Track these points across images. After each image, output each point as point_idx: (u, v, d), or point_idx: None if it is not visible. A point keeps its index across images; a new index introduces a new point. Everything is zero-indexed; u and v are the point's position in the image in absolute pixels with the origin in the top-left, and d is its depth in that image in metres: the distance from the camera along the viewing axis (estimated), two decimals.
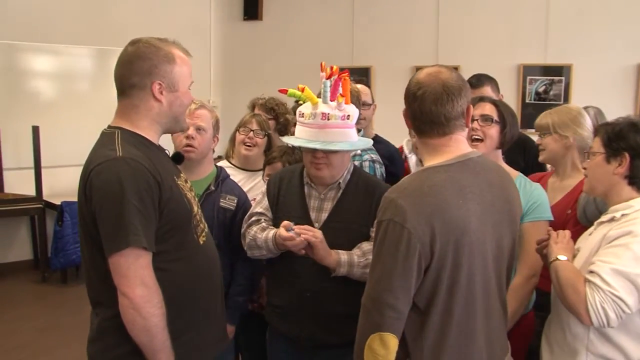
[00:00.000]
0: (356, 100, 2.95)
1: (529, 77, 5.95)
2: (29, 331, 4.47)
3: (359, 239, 2.26)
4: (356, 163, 2.80)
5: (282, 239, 2.17)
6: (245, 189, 2.80)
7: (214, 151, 2.72)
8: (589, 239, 2.01)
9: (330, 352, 2.29)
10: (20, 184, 6.00)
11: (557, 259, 1.94)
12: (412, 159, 3.53)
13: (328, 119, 2.16)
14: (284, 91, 2.25)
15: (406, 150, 3.48)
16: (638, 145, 1.93)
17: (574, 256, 2.00)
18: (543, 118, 2.71)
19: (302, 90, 2.21)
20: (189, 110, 2.51)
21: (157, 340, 1.78)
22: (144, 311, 1.74)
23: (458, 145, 1.76)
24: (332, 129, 2.17)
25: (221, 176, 2.66)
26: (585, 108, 2.97)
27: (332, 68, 2.21)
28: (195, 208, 2.01)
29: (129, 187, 1.72)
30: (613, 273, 1.78)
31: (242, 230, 2.44)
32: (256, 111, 3.42)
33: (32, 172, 5.87)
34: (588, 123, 2.69)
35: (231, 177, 3.00)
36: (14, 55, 6.21)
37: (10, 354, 4.29)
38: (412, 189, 1.66)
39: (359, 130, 3.06)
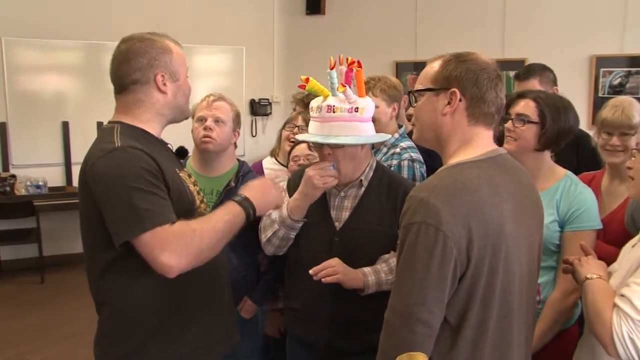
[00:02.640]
0: (393, 93, 2.83)
1: (602, 69, 5.58)
2: (85, 320, 4.61)
3: (381, 241, 2.14)
4: (394, 162, 2.69)
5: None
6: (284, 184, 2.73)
7: (235, 146, 2.66)
8: (632, 252, 1.77)
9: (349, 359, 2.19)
10: None
11: (587, 278, 1.72)
12: None
13: (334, 112, 2.03)
14: (303, 86, 2.11)
15: None
16: None
17: (610, 273, 1.77)
18: (625, 116, 2.36)
19: (307, 81, 2.07)
20: (207, 102, 2.51)
21: (213, 232, 1.72)
22: (183, 255, 1.64)
23: (490, 141, 1.61)
24: (337, 122, 2.04)
25: (242, 171, 2.58)
26: None
27: (340, 58, 2.09)
28: (197, 202, 1.96)
29: (131, 173, 1.68)
30: None
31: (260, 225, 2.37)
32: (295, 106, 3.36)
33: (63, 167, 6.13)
34: None
35: (274, 174, 2.95)
36: (93, 54, 6.40)
37: (65, 342, 4.49)
38: (444, 187, 1.45)
39: (400, 126, 2.95)
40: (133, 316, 1.81)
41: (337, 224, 2.20)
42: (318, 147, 2.15)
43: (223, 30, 6.86)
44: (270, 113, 7.47)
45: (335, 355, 2.21)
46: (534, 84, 3.10)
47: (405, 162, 2.67)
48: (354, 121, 2.05)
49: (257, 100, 7.33)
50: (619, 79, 5.53)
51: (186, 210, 1.82)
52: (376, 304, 2.07)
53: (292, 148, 2.72)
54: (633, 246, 1.79)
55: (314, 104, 2.10)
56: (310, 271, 2.05)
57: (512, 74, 5.97)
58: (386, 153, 2.74)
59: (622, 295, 1.58)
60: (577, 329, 2.21)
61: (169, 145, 1.99)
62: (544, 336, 2.02)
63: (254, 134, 7.36)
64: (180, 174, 1.91)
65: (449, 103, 1.55)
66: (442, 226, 1.39)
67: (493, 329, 1.48)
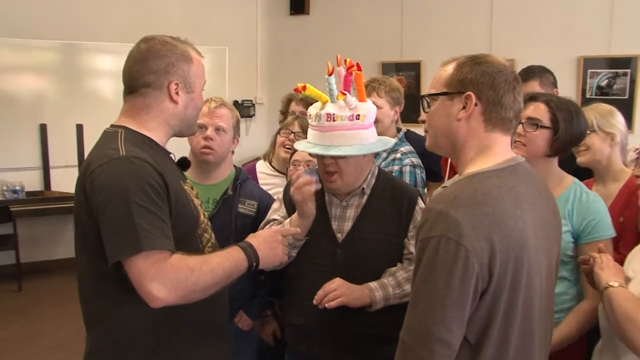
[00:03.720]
0: (396, 96, 2.79)
1: (590, 71, 5.56)
2: (70, 331, 4.48)
3: (387, 252, 2.06)
4: (396, 168, 2.63)
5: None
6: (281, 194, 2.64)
7: (233, 152, 2.56)
8: None
9: None
10: (66, 183, 5.97)
11: (609, 285, 1.68)
12: None
13: (334, 120, 1.93)
14: (304, 88, 2.02)
15: None
16: None
17: (627, 279, 1.74)
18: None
19: (304, 88, 1.99)
20: (208, 108, 2.39)
21: (213, 273, 1.65)
22: (176, 288, 1.56)
23: (508, 148, 1.53)
24: (338, 132, 1.94)
25: (240, 179, 2.49)
26: None
27: (338, 59, 2.00)
28: (202, 216, 1.87)
29: (134, 186, 1.58)
30: None
31: None
32: (293, 107, 3.28)
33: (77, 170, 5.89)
34: (622, 119, 2.48)
35: (268, 180, 2.87)
36: (70, 54, 6.29)
37: (49, 353, 4.34)
38: (465, 198, 1.38)
39: (399, 130, 2.88)
40: (129, 336, 1.71)
41: (339, 235, 2.11)
42: (319, 157, 2.06)
43: (205, 31, 6.75)
44: (254, 114, 7.39)
45: None
46: (534, 86, 3.03)
47: (407, 168, 2.62)
48: (355, 129, 1.96)
49: (240, 102, 7.23)
50: (606, 80, 5.51)
51: (190, 225, 1.76)
52: (383, 319, 2.00)
53: (293, 153, 2.63)
54: None
55: (312, 111, 2.01)
56: (314, 302, 1.96)
57: None
58: (386, 158, 2.68)
59: None
60: (586, 339, 2.15)
61: (171, 155, 1.88)
62: (558, 343, 1.96)
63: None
64: (185, 187, 1.82)
65: (464, 107, 1.48)
66: (463, 240, 1.31)
67: (515, 346, 1.41)
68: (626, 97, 5.36)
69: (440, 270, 1.33)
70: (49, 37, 6.13)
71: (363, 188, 2.11)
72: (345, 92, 1.94)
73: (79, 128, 5.89)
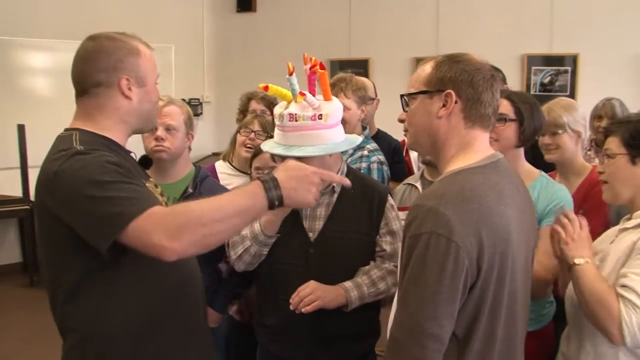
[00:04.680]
0: (362, 94, 2.81)
1: (533, 68, 5.77)
2: (14, 340, 4.30)
3: (359, 250, 2.07)
4: (364, 165, 2.67)
5: None
6: None
7: (190, 149, 2.53)
8: (614, 246, 1.81)
9: None
10: (7, 185, 5.80)
11: (575, 263, 1.72)
12: (413, 154, 3.44)
13: (296, 120, 1.92)
14: (267, 88, 2.01)
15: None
16: None
17: (597, 260, 1.80)
18: (555, 115, 2.53)
19: (266, 88, 1.98)
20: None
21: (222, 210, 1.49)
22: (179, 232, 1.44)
23: (487, 144, 1.56)
24: (300, 132, 1.93)
25: (199, 176, 2.47)
26: (609, 100, 2.82)
27: (305, 57, 1.97)
28: None
29: (98, 169, 1.53)
30: None
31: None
32: (253, 106, 3.26)
33: (19, 172, 5.65)
34: (583, 113, 2.64)
35: (230, 180, 2.84)
36: (2, 50, 6.03)
37: None
38: (453, 195, 1.40)
39: (364, 128, 2.91)
40: (105, 342, 1.66)
41: (311, 234, 2.10)
42: (281, 158, 2.02)
43: (151, 28, 6.50)
44: (202, 113, 7.29)
45: None
46: None
47: (375, 165, 2.68)
48: (318, 129, 1.94)
49: (187, 100, 7.11)
50: (549, 77, 5.73)
51: None
52: (358, 316, 2.03)
53: (253, 156, 2.61)
54: (612, 242, 1.84)
55: (276, 111, 2.01)
56: (291, 307, 1.95)
57: None
58: (352, 155, 2.70)
59: (624, 286, 1.63)
60: (552, 327, 2.26)
61: (132, 154, 1.83)
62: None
63: None
64: (147, 184, 1.77)
65: (444, 105, 1.50)
66: (454, 236, 1.34)
67: (500, 340, 1.44)
68: (567, 93, 5.57)
69: (431, 267, 1.34)
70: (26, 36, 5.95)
71: (333, 187, 2.11)
72: (305, 93, 1.93)
73: (21, 128, 5.64)
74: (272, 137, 2.70)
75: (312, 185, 1.58)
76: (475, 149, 1.52)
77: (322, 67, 1.97)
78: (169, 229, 1.44)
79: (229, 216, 1.48)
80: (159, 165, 2.41)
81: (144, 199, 1.52)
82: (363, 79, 3.07)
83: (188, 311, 1.83)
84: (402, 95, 1.63)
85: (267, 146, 2.06)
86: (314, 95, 1.96)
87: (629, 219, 1.82)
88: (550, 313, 2.27)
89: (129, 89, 1.71)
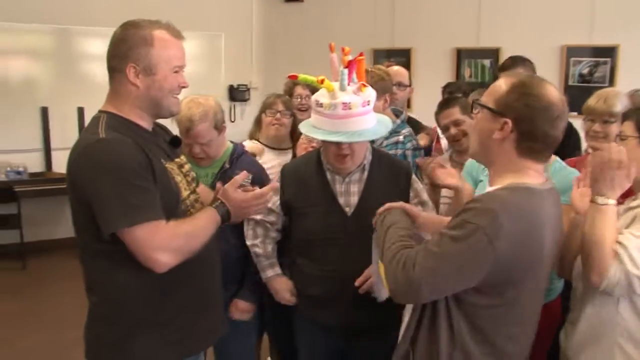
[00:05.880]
0: (382, 86, 2.86)
1: (572, 59, 5.80)
2: (70, 305, 4.62)
3: None
4: (399, 152, 2.80)
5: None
6: (274, 168, 2.84)
7: (224, 132, 2.66)
8: (619, 223, 1.89)
9: (363, 343, 2.31)
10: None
11: (598, 202, 1.79)
12: (444, 140, 3.55)
13: (350, 109, 2.03)
14: (294, 77, 2.14)
15: (439, 132, 3.51)
16: None
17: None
18: (610, 104, 2.53)
19: (322, 82, 2.07)
20: (186, 130, 2.43)
21: (195, 234, 1.82)
22: (164, 252, 1.71)
23: (542, 173, 1.68)
24: (355, 118, 2.05)
25: (236, 153, 2.62)
26: (637, 91, 2.90)
27: (343, 50, 2.10)
28: (186, 193, 1.96)
29: (119, 164, 1.68)
30: None
31: (246, 230, 2.48)
32: (299, 90, 3.47)
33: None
34: None
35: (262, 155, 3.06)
36: (63, 38, 6.35)
37: (52, 326, 4.50)
38: (515, 206, 1.52)
39: (399, 113, 3.06)
40: (120, 304, 1.83)
41: (347, 209, 2.27)
42: (334, 143, 2.16)
43: (201, 17, 6.82)
44: (249, 99, 7.49)
45: (354, 334, 2.31)
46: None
47: (410, 152, 2.81)
48: (367, 114, 2.10)
49: (235, 86, 7.38)
50: (588, 68, 5.75)
51: (170, 203, 1.83)
52: None
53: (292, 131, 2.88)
54: (622, 214, 1.92)
55: (323, 100, 2.07)
56: (360, 291, 2.17)
57: (486, 62, 6.20)
58: (387, 138, 2.82)
59: (619, 242, 1.74)
60: (559, 303, 2.37)
61: (163, 131, 2.00)
62: None
63: (232, 120, 7.39)
64: (167, 165, 1.89)
65: (501, 129, 1.59)
66: (495, 242, 1.47)
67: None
68: (606, 84, 5.57)
69: (461, 253, 1.50)
70: (42, 22, 6.16)
71: (364, 164, 2.29)
72: (366, 84, 2.06)
73: (80, 111, 5.98)
74: (294, 114, 3.04)
75: (247, 208, 1.98)
76: (527, 175, 1.61)
77: (360, 54, 2.12)
78: (173, 249, 1.73)
79: (207, 234, 1.85)
80: None
81: (151, 210, 1.69)
82: (395, 67, 3.22)
83: (202, 279, 1.97)
84: (474, 100, 1.75)
85: (326, 136, 2.12)
86: (349, 82, 2.07)
87: (635, 199, 1.92)
88: (558, 288, 2.39)
89: (136, 76, 1.78)
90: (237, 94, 7.40)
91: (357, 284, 2.18)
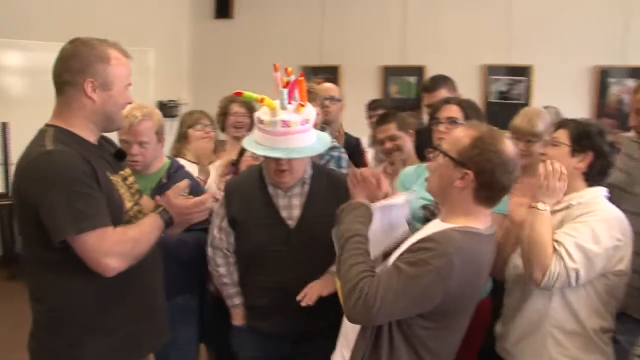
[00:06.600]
0: (318, 100, 3.06)
1: (491, 77, 6.10)
2: (9, 324, 4.43)
3: None
4: (335, 154, 2.98)
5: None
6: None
7: (162, 146, 2.77)
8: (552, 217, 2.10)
9: (308, 344, 2.37)
10: None
11: (537, 207, 2.00)
12: (370, 153, 3.82)
13: (289, 126, 2.14)
14: (239, 94, 2.23)
15: (364, 144, 3.73)
16: (602, 149, 2.08)
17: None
18: (534, 124, 2.70)
19: (262, 100, 2.18)
20: (129, 124, 2.51)
21: (140, 240, 1.89)
22: (113, 256, 1.78)
23: (489, 217, 1.88)
24: (293, 135, 2.16)
25: (173, 167, 2.69)
26: (546, 108, 3.13)
27: (287, 71, 2.20)
28: (129, 204, 2.02)
29: (66, 174, 1.74)
30: (576, 247, 1.92)
31: (208, 252, 2.50)
32: (235, 108, 3.53)
33: (1, 168, 5.82)
34: None
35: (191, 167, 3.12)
36: (30, 53, 6.15)
37: None
38: (467, 251, 1.71)
39: (322, 128, 3.18)
40: (67, 313, 1.88)
41: (290, 222, 2.35)
42: (273, 159, 2.26)
43: (132, 32, 6.61)
44: (177, 115, 7.43)
45: (301, 339, 2.38)
46: (443, 93, 3.45)
47: (344, 155, 3.05)
48: (305, 132, 2.20)
49: (165, 102, 7.31)
50: (506, 86, 6.06)
51: (113, 214, 1.88)
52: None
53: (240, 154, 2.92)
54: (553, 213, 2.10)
55: (263, 117, 2.17)
56: (302, 304, 2.24)
57: (412, 79, 6.44)
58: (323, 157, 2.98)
59: (557, 241, 1.95)
60: (489, 300, 2.51)
61: (110, 146, 2.06)
62: None
63: None
64: (111, 177, 1.96)
65: (462, 178, 1.77)
66: (447, 280, 1.67)
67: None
68: (523, 101, 5.89)
69: (416, 279, 1.66)
70: (6, 36, 6.01)
71: (304, 178, 2.39)
72: (304, 104, 2.17)
73: (4, 126, 5.81)
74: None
75: (190, 215, 2.05)
76: (478, 219, 1.81)
77: (301, 75, 2.24)
78: (121, 254, 1.80)
79: (152, 239, 1.93)
80: None
81: (100, 216, 1.78)
82: (327, 83, 3.40)
83: (146, 287, 2.06)
84: (437, 146, 1.90)
85: (266, 152, 2.22)
86: (289, 101, 2.18)
87: (560, 202, 2.10)
88: (487, 288, 2.51)
89: (93, 91, 1.85)
90: (166, 109, 7.27)
91: (298, 298, 2.26)
